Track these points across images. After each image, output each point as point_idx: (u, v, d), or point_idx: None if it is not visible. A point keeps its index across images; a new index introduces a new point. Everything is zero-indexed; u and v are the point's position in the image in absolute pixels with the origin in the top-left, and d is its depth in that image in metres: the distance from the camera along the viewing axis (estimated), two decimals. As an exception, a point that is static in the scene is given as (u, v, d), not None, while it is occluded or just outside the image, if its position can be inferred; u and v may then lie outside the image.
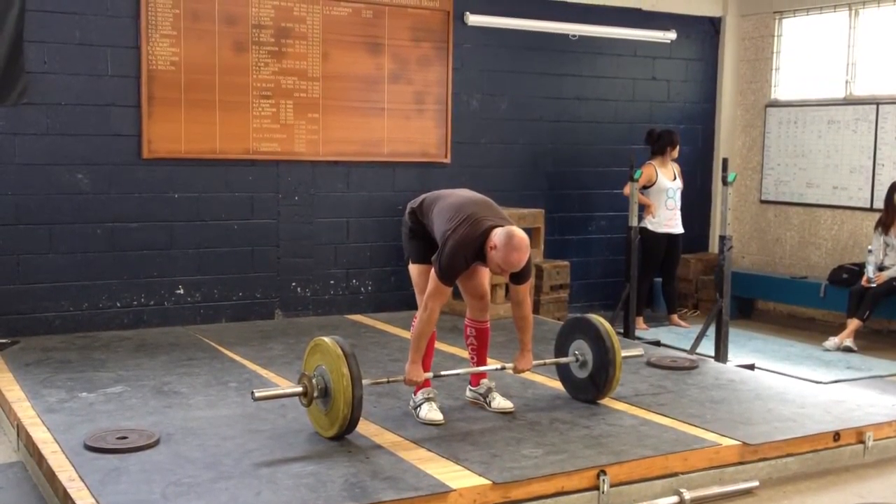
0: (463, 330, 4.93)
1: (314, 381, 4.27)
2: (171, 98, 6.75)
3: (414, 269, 4.70)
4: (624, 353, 4.94)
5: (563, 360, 5.04)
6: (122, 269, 6.73)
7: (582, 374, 4.96)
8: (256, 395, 4.25)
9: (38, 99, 6.39)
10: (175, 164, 6.85)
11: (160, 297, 6.88)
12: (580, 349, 4.96)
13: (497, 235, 4.30)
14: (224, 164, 7.02)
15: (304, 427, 4.44)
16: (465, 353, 5.93)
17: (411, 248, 4.72)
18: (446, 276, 4.38)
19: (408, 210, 4.77)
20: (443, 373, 4.72)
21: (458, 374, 4.89)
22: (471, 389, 4.91)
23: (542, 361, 4.99)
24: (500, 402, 4.78)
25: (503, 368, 4.83)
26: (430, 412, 4.54)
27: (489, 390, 4.82)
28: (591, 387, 4.91)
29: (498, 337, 5.80)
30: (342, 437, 4.24)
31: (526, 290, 4.66)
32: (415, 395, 4.66)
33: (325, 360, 4.26)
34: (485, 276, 4.77)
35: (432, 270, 4.42)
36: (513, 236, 4.27)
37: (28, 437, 4.32)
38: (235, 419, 4.56)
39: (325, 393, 4.23)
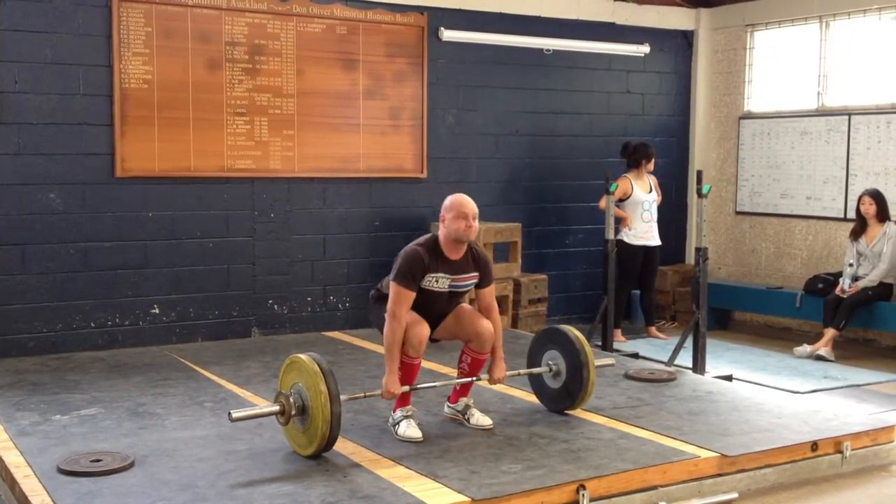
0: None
1: (291, 399, 4.23)
2: (144, 116, 6.71)
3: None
4: (596, 363, 4.93)
5: (536, 370, 5.03)
6: (95, 288, 6.67)
7: (556, 384, 4.96)
8: (234, 416, 4.21)
9: (10, 119, 6.33)
10: (149, 183, 6.80)
11: (135, 317, 6.82)
12: (553, 359, 4.95)
13: (442, 210, 4.50)
14: (198, 182, 6.98)
15: (280, 446, 4.40)
16: (447, 370, 5.92)
17: (377, 310, 4.68)
18: (406, 279, 4.41)
19: (374, 290, 4.79)
20: (420, 385, 4.69)
21: (434, 387, 4.84)
22: (449, 406, 4.89)
23: (515, 372, 4.98)
24: (478, 418, 4.76)
25: (478, 379, 4.80)
26: (409, 429, 4.52)
27: (467, 407, 4.80)
28: (565, 396, 4.91)
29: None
30: (320, 456, 4.21)
31: (492, 294, 4.71)
32: (394, 412, 4.63)
33: (302, 378, 4.22)
34: (469, 311, 4.73)
35: (392, 281, 4.45)
36: (452, 196, 4.54)
37: (0, 461, 4.26)
38: (211, 440, 4.51)
39: (303, 411, 4.19)
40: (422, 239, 4.57)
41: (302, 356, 4.27)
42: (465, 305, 4.79)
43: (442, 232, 4.52)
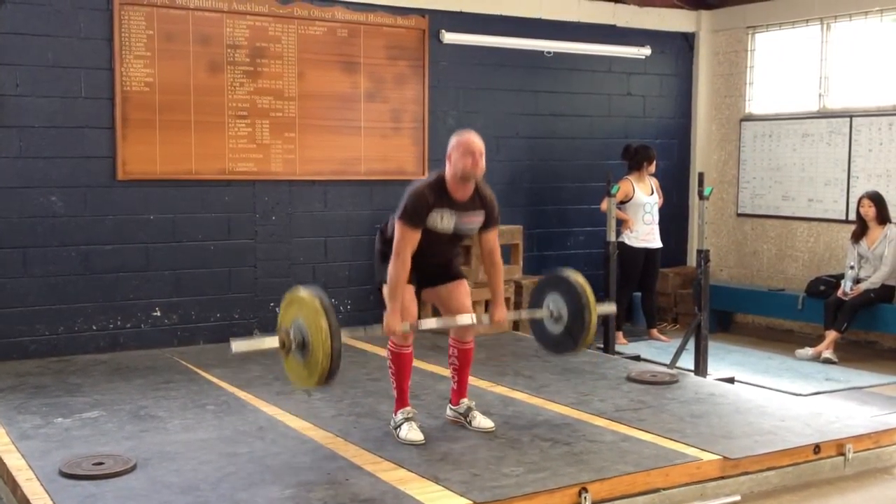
0: (447, 349, 4.88)
1: (292, 334, 4.18)
2: (145, 119, 6.71)
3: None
4: (598, 309, 4.88)
5: (537, 312, 4.96)
6: (97, 291, 6.67)
7: (558, 328, 4.89)
8: (234, 349, 4.20)
9: (11, 122, 6.34)
10: (150, 186, 6.80)
11: (136, 320, 6.82)
12: (554, 303, 4.90)
13: (449, 148, 4.49)
14: (200, 185, 6.98)
15: (282, 450, 4.40)
16: (444, 371, 5.92)
17: (384, 270, 4.63)
18: (412, 218, 4.38)
19: (378, 232, 4.76)
20: (422, 326, 4.56)
21: (434, 329, 4.72)
22: (451, 408, 4.88)
23: (516, 314, 4.92)
24: (480, 421, 4.75)
25: (479, 321, 4.72)
26: (410, 432, 4.51)
27: (469, 409, 4.79)
28: (568, 339, 4.85)
29: (477, 354, 5.75)
30: (322, 386, 4.18)
31: (496, 237, 4.70)
32: (395, 414, 4.63)
33: (303, 313, 4.16)
34: (465, 295, 4.73)
35: (397, 221, 4.42)
36: (458, 132, 4.53)
37: (2, 464, 4.26)
38: (213, 443, 4.51)
39: (303, 345, 4.14)
40: (428, 177, 4.55)
41: (302, 292, 4.20)
42: (465, 284, 4.73)
43: (448, 170, 4.48)
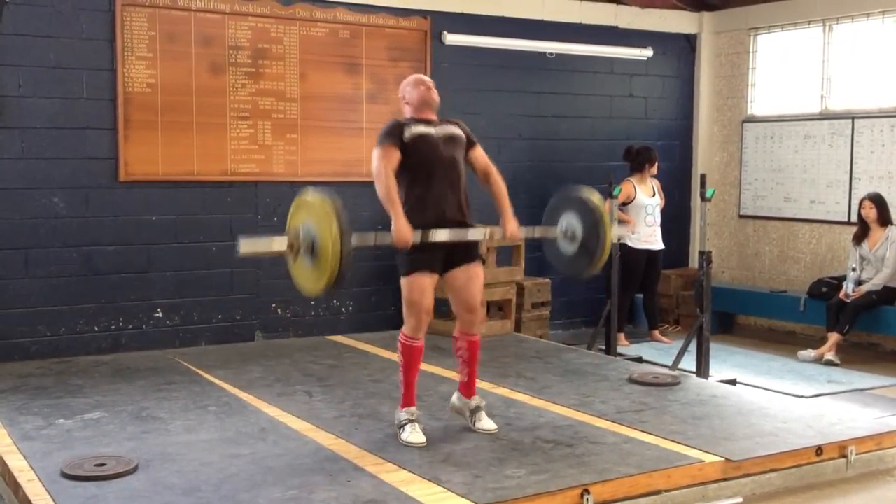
0: (451, 348, 4.84)
1: (301, 237, 4.15)
2: (147, 120, 6.71)
3: (405, 282, 4.52)
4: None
5: (550, 231, 4.93)
6: (99, 292, 6.67)
7: (572, 247, 4.87)
8: (241, 249, 4.21)
9: (13, 123, 6.34)
10: (152, 187, 6.81)
11: (138, 321, 6.82)
12: (567, 222, 4.87)
13: (400, 92, 4.73)
14: (202, 186, 6.98)
15: (284, 451, 4.40)
16: (447, 372, 5.92)
17: (401, 259, 4.56)
18: (386, 136, 4.48)
19: None
20: (433, 237, 4.43)
21: (445, 241, 4.51)
22: (460, 397, 4.81)
23: (529, 230, 4.93)
24: (484, 422, 4.73)
25: (490, 236, 4.71)
26: (413, 434, 4.50)
27: (477, 408, 4.76)
28: (584, 256, 4.82)
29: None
30: (330, 290, 4.16)
31: (483, 154, 4.78)
32: (400, 410, 4.59)
33: (312, 216, 4.13)
34: (477, 287, 4.66)
35: (375, 148, 4.51)
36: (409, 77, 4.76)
37: (4, 465, 4.26)
38: (215, 444, 4.50)
39: (312, 248, 4.11)
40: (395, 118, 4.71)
41: (311, 196, 4.19)
42: (481, 275, 4.67)
43: (407, 110, 4.68)
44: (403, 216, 4.37)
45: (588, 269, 4.90)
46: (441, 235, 4.47)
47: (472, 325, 4.70)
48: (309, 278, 4.19)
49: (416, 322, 4.49)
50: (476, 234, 4.63)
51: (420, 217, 4.45)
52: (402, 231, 4.33)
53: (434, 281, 4.53)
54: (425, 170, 4.51)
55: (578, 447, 4.46)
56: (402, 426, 4.55)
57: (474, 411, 4.76)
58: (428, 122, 4.63)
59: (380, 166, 4.45)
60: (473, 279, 4.64)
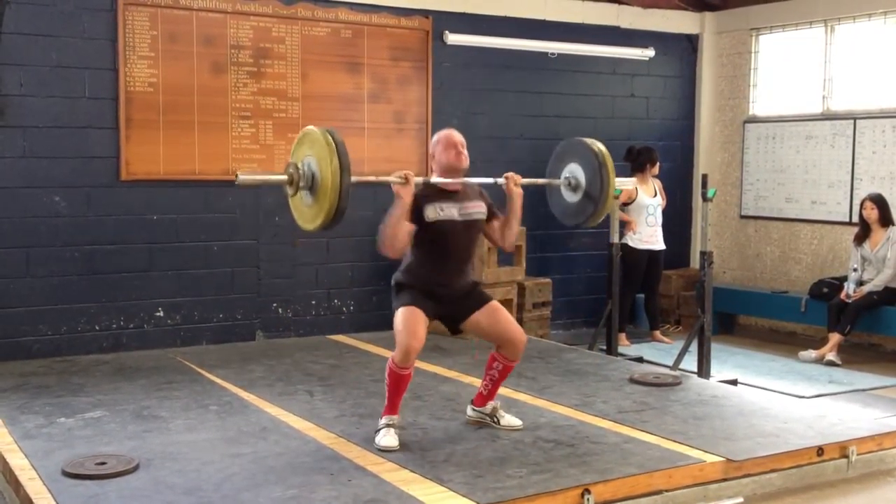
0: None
1: (301, 170, 4.16)
2: (149, 119, 6.72)
3: (398, 313, 4.45)
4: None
5: (553, 181, 4.96)
6: (100, 292, 6.67)
7: (576, 196, 4.87)
8: (240, 178, 4.25)
9: (15, 122, 6.34)
10: (154, 186, 6.81)
11: (139, 320, 6.82)
12: (570, 171, 4.86)
13: (431, 147, 4.61)
14: (203, 186, 6.98)
15: (285, 450, 4.40)
16: (448, 372, 5.93)
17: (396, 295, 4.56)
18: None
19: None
20: (434, 179, 4.46)
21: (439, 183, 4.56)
22: (474, 409, 4.82)
23: (533, 181, 4.92)
24: (509, 419, 4.74)
25: (495, 182, 4.69)
26: (385, 438, 4.39)
27: (495, 409, 4.76)
28: (588, 203, 4.82)
29: (480, 354, 5.76)
30: (327, 225, 4.16)
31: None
32: (381, 417, 4.53)
33: (314, 150, 4.14)
34: (506, 317, 4.60)
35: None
36: (438, 132, 4.62)
37: (5, 463, 4.26)
38: (216, 443, 4.50)
39: (312, 183, 4.11)
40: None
41: (314, 129, 4.19)
42: (501, 307, 4.66)
43: (434, 168, 4.57)
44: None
45: (592, 217, 4.89)
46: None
47: (516, 353, 4.64)
48: (307, 214, 4.23)
49: (405, 352, 4.33)
50: (477, 181, 4.67)
51: (425, 284, 4.47)
52: (404, 190, 4.32)
53: (426, 320, 4.44)
54: (440, 253, 4.49)
55: (579, 447, 4.45)
56: (378, 430, 4.47)
57: (492, 413, 4.76)
58: (452, 198, 4.51)
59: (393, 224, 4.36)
60: (497, 313, 4.59)
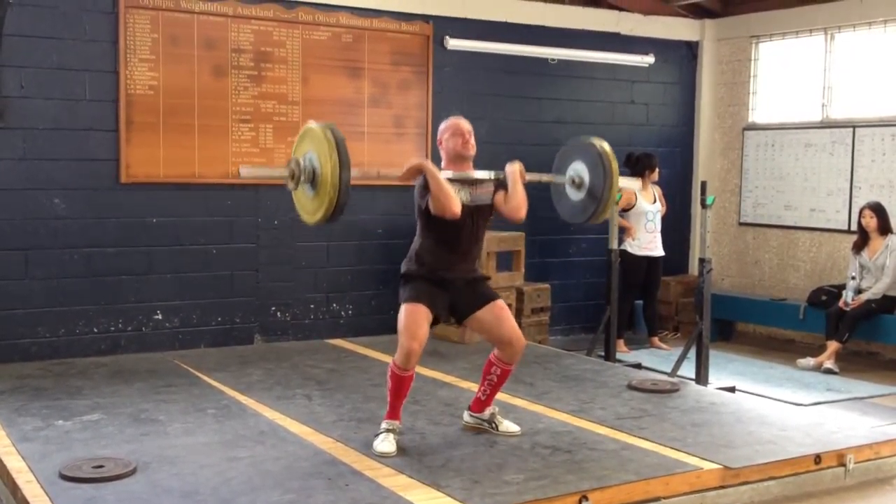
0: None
1: (302, 165, 4.22)
2: (149, 122, 6.72)
3: (403, 309, 4.48)
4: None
5: (557, 177, 5.01)
6: (99, 294, 6.67)
7: (580, 194, 4.90)
8: (243, 172, 4.28)
9: (15, 123, 6.35)
10: (153, 189, 6.81)
11: (138, 323, 6.82)
12: (575, 170, 4.90)
13: (439, 134, 4.68)
14: (203, 189, 6.98)
15: (283, 455, 4.40)
16: (446, 377, 5.93)
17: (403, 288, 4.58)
18: (423, 192, 4.46)
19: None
20: (447, 175, 4.51)
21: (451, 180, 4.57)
22: (472, 415, 4.82)
23: (538, 176, 4.95)
24: (507, 425, 4.74)
25: (495, 176, 4.70)
26: (383, 443, 4.40)
27: (493, 415, 4.76)
28: (591, 201, 4.85)
29: (478, 359, 5.76)
30: (328, 219, 4.20)
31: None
32: (383, 420, 4.54)
33: (314, 146, 4.21)
34: (509, 318, 4.62)
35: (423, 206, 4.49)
36: (447, 119, 4.67)
37: (2, 466, 4.25)
38: (213, 447, 4.50)
39: (313, 177, 4.18)
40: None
41: (315, 125, 4.26)
42: (506, 307, 4.67)
43: (443, 156, 4.62)
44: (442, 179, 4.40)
45: (594, 215, 4.91)
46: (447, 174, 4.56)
47: (514, 356, 4.65)
48: (308, 208, 4.29)
49: (407, 352, 4.35)
50: (481, 174, 4.67)
51: (432, 272, 4.50)
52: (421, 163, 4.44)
53: (430, 318, 4.46)
54: (449, 239, 4.52)
55: (577, 453, 4.46)
56: (377, 435, 4.47)
57: (491, 419, 4.76)
58: (462, 183, 4.54)
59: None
60: (502, 312, 4.61)
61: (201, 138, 6.91)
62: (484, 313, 4.58)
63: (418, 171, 4.47)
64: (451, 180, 4.51)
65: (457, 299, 4.58)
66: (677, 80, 9.09)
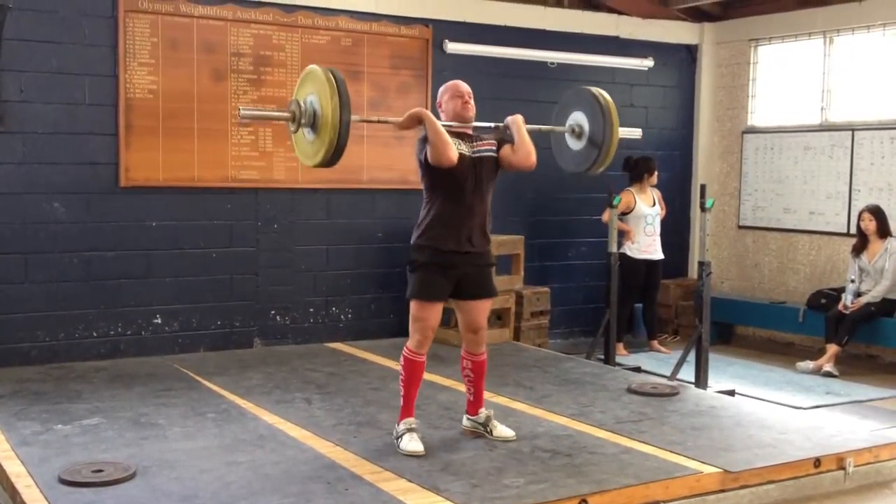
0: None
1: (303, 107, 4.27)
2: (149, 126, 6.72)
3: (414, 301, 4.57)
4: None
5: (557, 128, 5.02)
6: (98, 298, 6.67)
7: (580, 143, 4.92)
8: (243, 112, 4.45)
9: (15, 127, 6.35)
10: (153, 193, 6.81)
11: (137, 327, 6.82)
12: (574, 120, 4.91)
13: (438, 97, 4.71)
14: (202, 193, 6.98)
15: (282, 459, 4.40)
16: (446, 381, 5.92)
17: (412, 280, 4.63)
18: (422, 145, 4.50)
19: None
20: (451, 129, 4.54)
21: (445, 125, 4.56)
22: (469, 419, 4.84)
23: (537, 127, 4.93)
24: (501, 430, 4.75)
25: (495, 126, 4.74)
26: (411, 443, 4.49)
27: (489, 419, 4.77)
28: (592, 149, 4.87)
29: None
30: (328, 161, 4.25)
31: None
32: (398, 423, 4.61)
33: (316, 87, 4.25)
34: (485, 314, 4.74)
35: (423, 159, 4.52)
36: (447, 83, 4.72)
37: (2, 470, 4.25)
38: (213, 451, 4.50)
39: (313, 120, 4.23)
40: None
41: (317, 68, 4.30)
42: (485, 303, 4.73)
43: (442, 118, 4.63)
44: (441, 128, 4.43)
45: (596, 163, 4.94)
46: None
47: (476, 345, 4.73)
48: (308, 151, 4.35)
49: (420, 338, 4.52)
50: (481, 125, 4.70)
51: (441, 241, 4.54)
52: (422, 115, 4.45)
53: (440, 305, 4.59)
54: (452, 194, 4.54)
55: (577, 457, 4.46)
56: (400, 436, 4.54)
57: (486, 423, 4.77)
58: (463, 139, 4.60)
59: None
60: (484, 307, 4.74)
61: (201, 142, 6.91)
62: (476, 304, 4.68)
63: (418, 119, 4.50)
64: (451, 133, 4.52)
65: (461, 281, 4.61)
66: (676, 84, 9.10)
